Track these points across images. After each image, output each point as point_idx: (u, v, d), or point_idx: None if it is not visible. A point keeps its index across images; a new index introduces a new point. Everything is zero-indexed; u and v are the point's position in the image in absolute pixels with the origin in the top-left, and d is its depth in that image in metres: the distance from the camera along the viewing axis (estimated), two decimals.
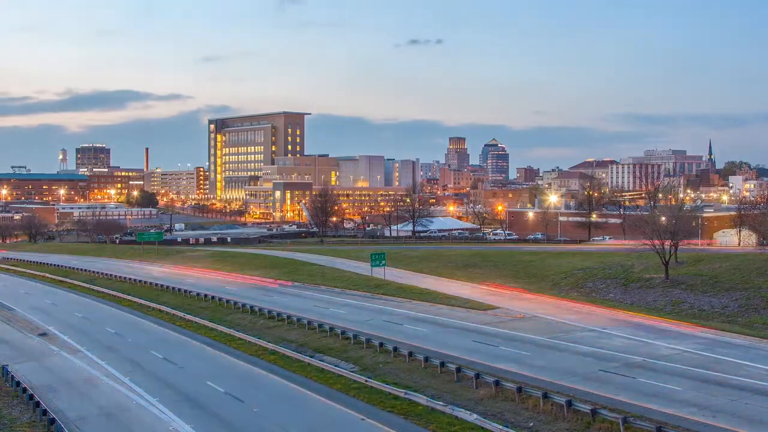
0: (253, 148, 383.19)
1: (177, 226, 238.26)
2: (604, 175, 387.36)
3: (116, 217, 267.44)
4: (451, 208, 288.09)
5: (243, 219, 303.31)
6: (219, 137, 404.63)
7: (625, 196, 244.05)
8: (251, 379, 51.31)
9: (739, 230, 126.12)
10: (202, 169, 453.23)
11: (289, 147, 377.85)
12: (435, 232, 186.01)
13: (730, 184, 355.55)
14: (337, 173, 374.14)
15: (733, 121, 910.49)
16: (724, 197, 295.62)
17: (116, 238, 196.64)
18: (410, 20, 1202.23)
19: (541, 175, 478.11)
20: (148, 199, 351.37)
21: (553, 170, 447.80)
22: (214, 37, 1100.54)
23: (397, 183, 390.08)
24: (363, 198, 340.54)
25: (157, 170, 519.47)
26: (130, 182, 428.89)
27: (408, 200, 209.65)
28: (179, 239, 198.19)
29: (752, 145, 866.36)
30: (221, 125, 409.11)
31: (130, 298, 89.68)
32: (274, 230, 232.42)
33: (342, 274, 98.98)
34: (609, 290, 77.77)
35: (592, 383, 44.53)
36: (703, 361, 48.97)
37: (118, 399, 47.36)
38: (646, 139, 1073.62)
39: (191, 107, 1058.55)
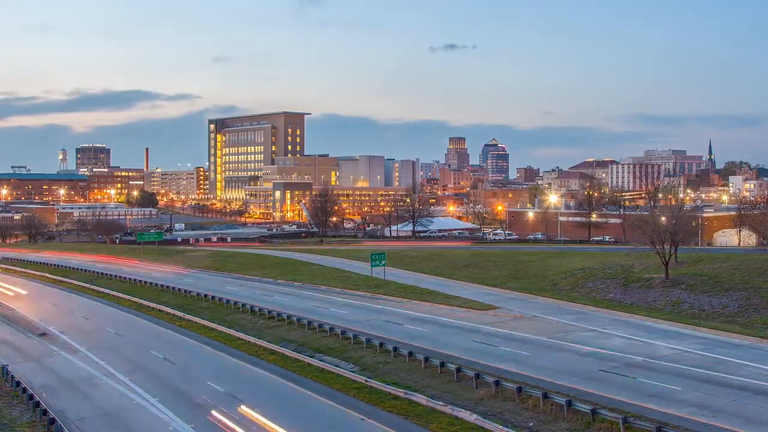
0: (253, 148, 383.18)
1: (177, 226, 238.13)
2: (604, 175, 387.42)
3: (116, 217, 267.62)
4: (451, 208, 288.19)
5: (243, 219, 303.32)
6: (219, 137, 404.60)
7: (625, 196, 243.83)
8: (251, 379, 51.29)
9: (739, 230, 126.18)
10: (202, 169, 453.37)
11: (289, 147, 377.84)
12: (435, 232, 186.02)
13: (730, 184, 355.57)
14: (337, 173, 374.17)
15: (740, 121, 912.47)
16: (724, 197, 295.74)
17: (116, 238, 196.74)
18: (429, 24, 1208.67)
19: (541, 175, 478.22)
20: (148, 199, 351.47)
21: (553, 170, 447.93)
22: (225, 37, 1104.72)
23: (397, 183, 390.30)
24: (363, 198, 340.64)
25: (157, 170, 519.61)
26: (130, 182, 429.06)
27: (408, 200, 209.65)
28: (179, 239, 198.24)
29: (753, 145, 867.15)
30: (221, 125, 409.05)
31: (130, 297, 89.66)
32: (274, 230, 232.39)
33: (342, 274, 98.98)
34: (609, 290, 77.71)
35: (592, 383, 44.50)
36: (703, 361, 48.95)
37: (118, 399, 47.36)
38: (656, 139, 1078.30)
39: (198, 107, 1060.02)
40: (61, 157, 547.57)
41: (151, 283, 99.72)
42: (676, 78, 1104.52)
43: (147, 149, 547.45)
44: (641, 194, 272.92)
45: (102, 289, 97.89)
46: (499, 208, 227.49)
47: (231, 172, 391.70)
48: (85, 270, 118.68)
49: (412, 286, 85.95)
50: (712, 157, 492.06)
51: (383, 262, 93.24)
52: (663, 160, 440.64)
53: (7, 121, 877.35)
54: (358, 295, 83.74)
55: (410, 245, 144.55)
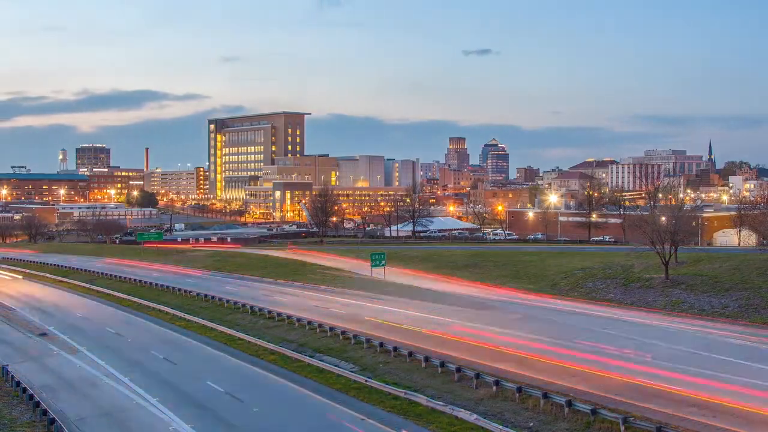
0: (253, 148, 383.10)
1: (177, 226, 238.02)
2: (604, 175, 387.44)
3: (116, 217, 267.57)
4: (451, 208, 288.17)
5: (243, 219, 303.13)
6: (219, 137, 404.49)
7: (625, 196, 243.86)
8: (251, 379, 51.32)
9: (739, 230, 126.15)
10: (202, 169, 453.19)
11: (289, 147, 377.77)
12: (435, 232, 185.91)
13: (730, 184, 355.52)
14: (337, 173, 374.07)
15: (740, 121, 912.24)
16: (724, 197, 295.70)
17: (116, 238, 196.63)
18: (438, 26, 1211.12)
19: (541, 175, 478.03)
20: (148, 199, 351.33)
21: (553, 170, 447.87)
22: (234, 38, 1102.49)
23: (397, 183, 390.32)
24: (363, 198, 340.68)
25: (157, 170, 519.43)
26: (130, 182, 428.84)
27: (408, 200, 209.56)
28: (179, 239, 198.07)
29: (753, 145, 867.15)
30: (221, 125, 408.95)
31: (130, 298, 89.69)
32: (274, 230, 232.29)
33: (342, 274, 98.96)
34: (609, 290, 77.67)
35: (592, 383, 44.46)
36: (703, 361, 48.91)
37: (118, 399, 47.38)
38: (657, 140, 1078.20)
39: (206, 107, 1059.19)
40: (61, 157, 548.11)
41: (151, 283, 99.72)
42: (677, 79, 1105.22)
43: (147, 149, 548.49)
44: (641, 194, 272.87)
45: (102, 289, 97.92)
46: (499, 208, 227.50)
47: (231, 172, 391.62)
48: (85, 270, 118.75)
49: (412, 285, 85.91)
50: (712, 157, 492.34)
51: (383, 261, 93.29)
52: (663, 160, 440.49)
53: (14, 121, 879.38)
54: (358, 294, 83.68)
55: (410, 245, 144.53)
